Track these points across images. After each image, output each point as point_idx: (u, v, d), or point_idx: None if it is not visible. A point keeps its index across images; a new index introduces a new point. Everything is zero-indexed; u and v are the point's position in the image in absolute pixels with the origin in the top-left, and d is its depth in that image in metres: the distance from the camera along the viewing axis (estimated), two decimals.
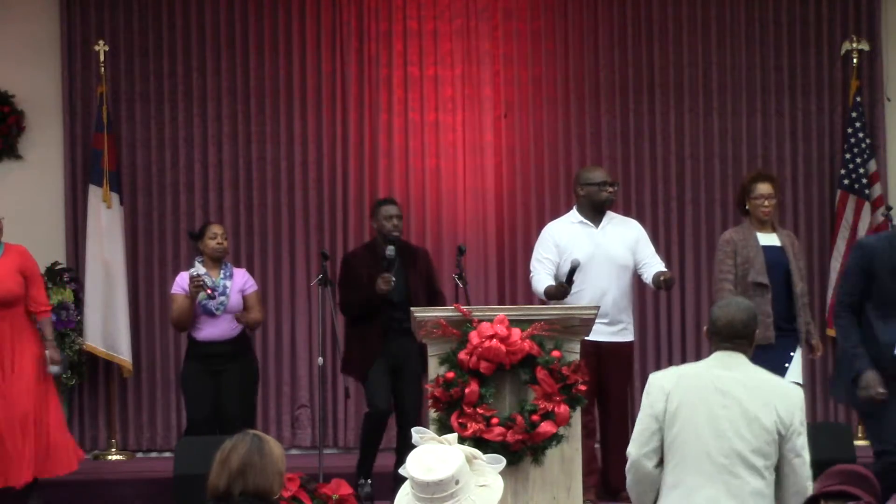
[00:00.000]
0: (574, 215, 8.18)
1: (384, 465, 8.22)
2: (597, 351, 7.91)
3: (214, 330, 8.24)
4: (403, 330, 7.98)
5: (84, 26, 9.97)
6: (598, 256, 7.99)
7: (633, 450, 5.09)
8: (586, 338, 7.38)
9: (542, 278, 7.99)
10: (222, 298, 8.24)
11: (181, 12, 10.07)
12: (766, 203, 7.87)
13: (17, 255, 8.12)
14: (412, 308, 6.90)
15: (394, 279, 7.97)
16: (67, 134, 9.95)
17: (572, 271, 7.74)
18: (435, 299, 8.06)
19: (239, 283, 8.34)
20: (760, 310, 7.47)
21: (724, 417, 4.92)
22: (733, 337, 5.05)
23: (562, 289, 7.79)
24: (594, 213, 8.12)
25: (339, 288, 8.46)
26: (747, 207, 7.96)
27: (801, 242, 8.64)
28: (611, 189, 8.12)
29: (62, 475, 8.19)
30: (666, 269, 8.05)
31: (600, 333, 7.82)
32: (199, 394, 8.22)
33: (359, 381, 8.47)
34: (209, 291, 8.14)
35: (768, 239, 7.89)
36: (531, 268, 8.16)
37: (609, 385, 8.08)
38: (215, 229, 8.41)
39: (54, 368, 8.15)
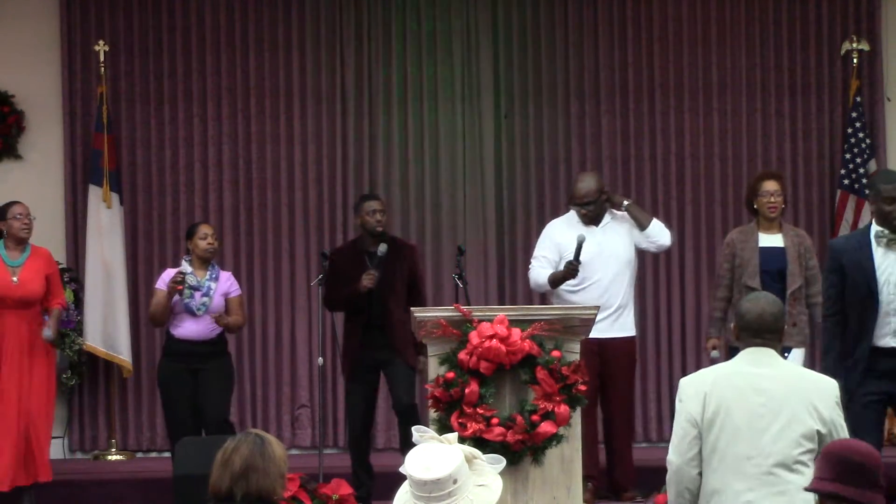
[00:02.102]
0: (574, 215, 8.21)
1: (386, 465, 8.21)
2: (598, 349, 7.94)
3: (194, 328, 8.22)
4: (381, 327, 8.02)
5: (84, 26, 9.97)
6: (600, 254, 8.05)
7: (674, 458, 4.95)
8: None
9: (540, 272, 8.12)
10: (205, 299, 8.22)
11: (181, 13, 10.07)
12: (773, 200, 7.87)
13: (43, 258, 8.23)
14: (412, 308, 6.89)
15: (375, 274, 7.98)
16: (67, 134, 9.96)
17: (579, 247, 7.85)
18: (415, 300, 7.97)
19: (224, 286, 8.33)
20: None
21: (762, 418, 4.82)
22: (763, 331, 4.93)
23: (570, 267, 7.89)
24: (595, 216, 8.17)
25: (324, 283, 8.45)
26: (755, 206, 7.96)
27: (815, 247, 8.48)
28: (584, 211, 8.12)
29: (32, 484, 8.10)
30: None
31: (601, 330, 7.86)
32: (178, 393, 8.21)
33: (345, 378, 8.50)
34: (181, 289, 8.11)
35: (771, 240, 7.88)
36: (529, 266, 8.25)
37: (612, 382, 8.10)
38: (205, 229, 8.39)
39: (48, 333, 8.11)
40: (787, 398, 4.84)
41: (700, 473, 4.93)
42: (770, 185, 7.91)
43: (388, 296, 8.04)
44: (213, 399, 8.19)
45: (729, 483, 4.84)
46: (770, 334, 4.95)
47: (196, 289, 8.20)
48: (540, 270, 8.14)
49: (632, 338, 8.27)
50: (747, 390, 4.87)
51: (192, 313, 8.20)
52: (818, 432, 4.82)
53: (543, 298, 9.82)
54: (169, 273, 8.33)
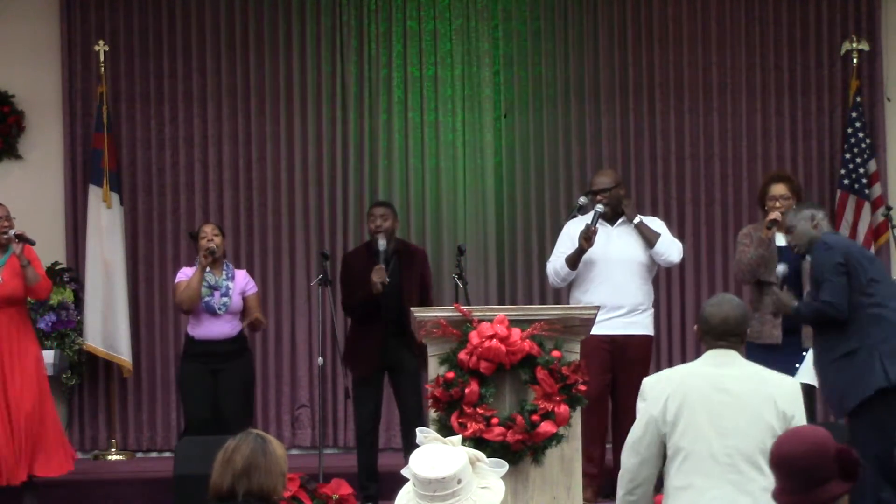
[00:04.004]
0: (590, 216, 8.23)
1: (387, 465, 8.22)
2: (611, 346, 7.95)
3: (215, 329, 8.23)
4: (398, 331, 8.04)
5: (84, 26, 9.97)
6: (612, 253, 8.07)
7: (630, 457, 4.99)
8: (600, 332, 7.42)
9: (556, 260, 8.15)
10: (225, 299, 8.24)
11: (181, 12, 10.07)
12: (779, 204, 7.85)
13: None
14: (412, 308, 6.90)
15: (384, 267, 8.00)
16: (67, 134, 9.96)
17: (596, 215, 7.97)
18: (423, 304, 8.02)
19: (240, 284, 8.34)
20: (770, 309, 7.53)
21: (725, 416, 4.86)
22: (727, 335, 4.98)
23: (587, 230, 7.91)
24: (612, 212, 8.18)
25: (340, 288, 8.50)
26: (766, 209, 7.96)
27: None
28: (599, 197, 8.14)
29: (57, 475, 8.17)
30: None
31: (613, 327, 7.86)
32: (198, 394, 8.20)
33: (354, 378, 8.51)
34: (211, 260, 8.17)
35: (785, 239, 7.88)
36: (547, 263, 8.29)
37: (625, 379, 8.09)
38: (206, 229, 8.40)
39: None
40: (749, 397, 4.89)
41: (652, 474, 4.96)
42: (777, 189, 7.89)
43: (402, 298, 8.05)
44: (235, 398, 8.19)
45: (693, 481, 4.87)
46: (733, 337, 5.01)
47: (215, 288, 8.22)
48: (556, 259, 8.17)
49: (647, 336, 8.26)
50: (709, 390, 4.91)
51: (212, 313, 8.21)
52: (780, 429, 4.83)
53: (544, 299, 9.85)
54: (185, 270, 8.36)
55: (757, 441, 4.83)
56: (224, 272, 8.31)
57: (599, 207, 8.05)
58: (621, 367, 8.09)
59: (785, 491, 3.96)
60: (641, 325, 8.17)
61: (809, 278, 7.26)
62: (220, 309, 8.22)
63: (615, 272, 8.07)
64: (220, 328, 8.24)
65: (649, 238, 8.16)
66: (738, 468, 4.83)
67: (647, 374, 8.30)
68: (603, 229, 8.12)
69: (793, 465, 3.95)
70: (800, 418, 4.90)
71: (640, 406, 5.01)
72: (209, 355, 8.21)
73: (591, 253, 8.01)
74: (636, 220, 8.18)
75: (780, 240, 7.86)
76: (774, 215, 7.73)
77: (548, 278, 8.41)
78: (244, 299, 8.33)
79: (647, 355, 8.32)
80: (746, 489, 4.81)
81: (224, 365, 8.21)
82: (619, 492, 5.05)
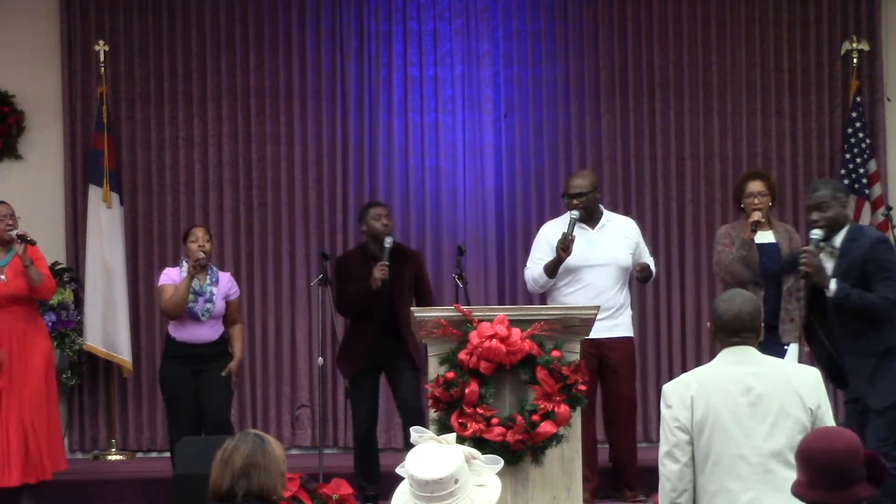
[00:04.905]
0: (567, 217, 8.19)
1: (386, 465, 8.22)
2: (595, 349, 7.94)
3: (197, 333, 8.26)
4: (391, 332, 8.03)
5: (84, 26, 9.98)
6: (593, 256, 8.05)
7: (670, 465, 4.93)
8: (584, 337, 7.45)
9: (534, 267, 8.11)
10: (209, 305, 8.24)
11: (181, 12, 10.08)
12: (757, 201, 7.85)
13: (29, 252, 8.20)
14: (412, 308, 6.90)
15: (388, 265, 7.99)
16: (67, 134, 9.96)
17: (572, 222, 7.92)
18: (422, 305, 8.01)
19: (224, 288, 8.35)
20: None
21: (751, 416, 4.82)
22: (741, 330, 4.92)
23: (564, 238, 7.86)
24: (588, 214, 8.15)
25: (333, 288, 8.48)
26: (742, 206, 7.96)
27: (802, 242, 8.57)
28: (575, 202, 8.10)
29: (49, 477, 8.14)
30: (646, 264, 8.20)
31: (597, 331, 7.86)
32: (182, 394, 8.23)
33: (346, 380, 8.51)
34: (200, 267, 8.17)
35: (762, 237, 7.88)
36: (525, 270, 8.24)
37: (613, 382, 8.10)
38: (197, 232, 8.38)
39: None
40: (773, 393, 4.85)
41: (692, 477, 4.91)
42: (754, 187, 7.88)
43: (397, 299, 8.05)
44: (215, 400, 8.21)
45: (727, 485, 4.82)
46: (748, 333, 4.95)
47: (199, 294, 8.22)
48: (534, 267, 8.14)
49: (629, 338, 8.26)
50: (733, 391, 4.86)
51: (196, 318, 8.22)
52: (809, 422, 4.82)
53: (544, 299, 9.84)
54: (169, 272, 8.36)
55: (787, 439, 4.79)
56: (208, 277, 8.31)
57: (574, 214, 7.97)
58: (607, 370, 8.10)
59: (810, 486, 3.95)
60: (623, 327, 8.17)
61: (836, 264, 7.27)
62: (203, 315, 8.23)
63: (596, 276, 8.05)
64: (202, 333, 8.26)
65: (648, 278, 8.29)
66: (769, 468, 4.79)
67: (632, 375, 8.35)
68: (583, 232, 8.08)
69: (825, 462, 3.94)
70: (825, 407, 4.86)
71: (665, 413, 4.95)
72: (191, 357, 8.24)
73: (572, 256, 7.97)
74: (640, 267, 8.18)
75: (758, 238, 7.87)
76: (756, 217, 7.74)
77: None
78: (227, 303, 8.34)
79: (631, 356, 8.33)
80: (780, 488, 4.75)
81: (206, 366, 8.25)
82: (664, 495, 4.99)
